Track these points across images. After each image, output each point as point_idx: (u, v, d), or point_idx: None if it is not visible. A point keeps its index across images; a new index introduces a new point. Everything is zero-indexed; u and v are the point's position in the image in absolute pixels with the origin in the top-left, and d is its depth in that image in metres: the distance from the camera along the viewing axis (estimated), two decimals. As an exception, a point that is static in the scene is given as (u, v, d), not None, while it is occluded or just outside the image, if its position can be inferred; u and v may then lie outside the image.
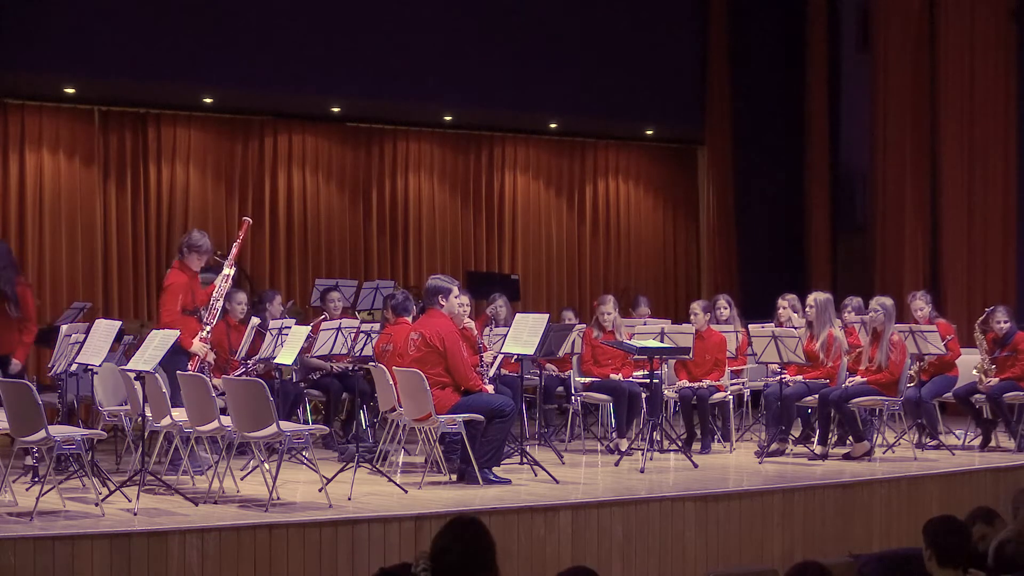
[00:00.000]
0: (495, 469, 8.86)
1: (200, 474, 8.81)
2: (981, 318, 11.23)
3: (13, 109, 13.46)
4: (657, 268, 17.00)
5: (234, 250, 9.87)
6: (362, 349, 9.73)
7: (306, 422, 10.69)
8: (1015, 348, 10.83)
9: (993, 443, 10.98)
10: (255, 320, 10.36)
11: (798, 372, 10.53)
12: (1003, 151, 14.53)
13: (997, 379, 10.78)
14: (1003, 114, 14.55)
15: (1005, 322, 10.90)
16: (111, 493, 8.02)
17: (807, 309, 10.64)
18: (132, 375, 8.37)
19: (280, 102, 14.38)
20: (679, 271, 17.16)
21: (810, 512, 8.72)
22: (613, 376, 10.78)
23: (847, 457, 10.17)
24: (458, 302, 9.26)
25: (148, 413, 8.53)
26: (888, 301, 10.50)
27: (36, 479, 8.40)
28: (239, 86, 13.66)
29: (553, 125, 16.13)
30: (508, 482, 8.80)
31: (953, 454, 10.57)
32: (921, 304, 11.25)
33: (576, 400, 11.16)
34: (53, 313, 13.07)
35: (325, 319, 11.00)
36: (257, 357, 10.11)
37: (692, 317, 11.04)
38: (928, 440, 10.89)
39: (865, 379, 10.28)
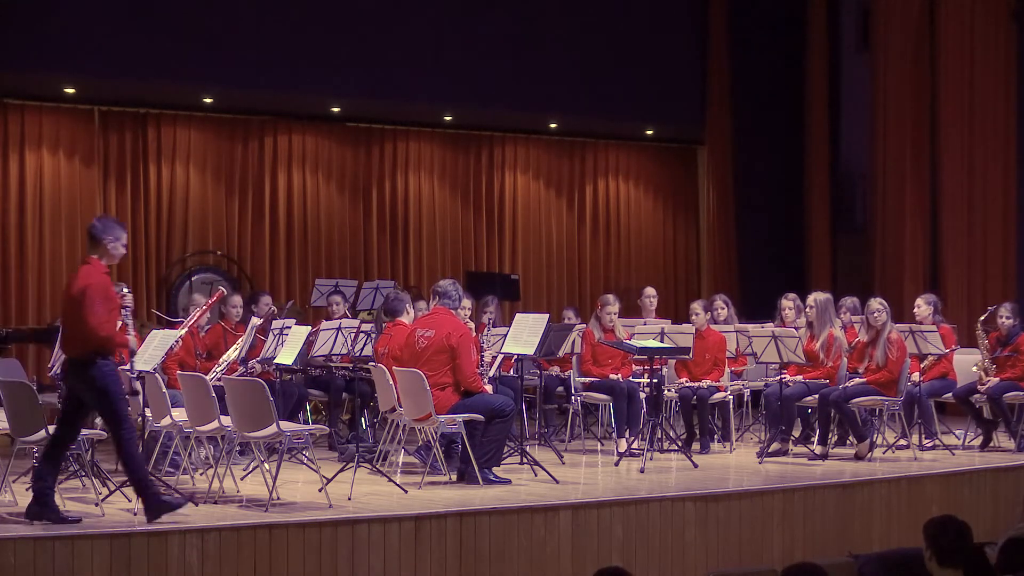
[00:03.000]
0: (495, 469, 8.86)
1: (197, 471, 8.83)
2: (983, 316, 11.24)
3: (13, 109, 13.47)
4: (657, 268, 17.00)
5: (195, 313, 9.51)
6: (362, 349, 9.73)
7: (306, 422, 10.69)
8: (1017, 348, 10.82)
9: (993, 443, 10.98)
10: (255, 320, 10.37)
11: (798, 372, 10.53)
12: (1003, 151, 14.52)
13: (997, 379, 10.78)
14: (1003, 114, 14.54)
15: (1008, 318, 10.90)
16: (111, 493, 8.02)
17: (807, 309, 10.64)
18: (132, 375, 8.37)
19: (280, 102, 14.39)
20: (679, 271, 17.17)
21: (810, 512, 8.72)
22: (613, 376, 10.78)
23: (857, 457, 10.15)
24: (461, 306, 9.35)
25: (148, 413, 8.53)
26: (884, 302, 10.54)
27: (36, 479, 8.40)
28: (239, 86, 13.67)
29: (553, 125, 16.13)
30: (508, 482, 8.80)
31: (953, 454, 10.57)
32: (920, 303, 11.28)
33: (576, 400, 11.17)
34: (53, 313, 13.09)
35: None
36: (259, 358, 10.12)
37: (693, 317, 11.04)
38: (925, 440, 10.89)
39: (865, 379, 10.28)
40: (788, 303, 11.35)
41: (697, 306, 11.19)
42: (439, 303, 9.07)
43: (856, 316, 11.31)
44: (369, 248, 15.28)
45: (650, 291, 12.69)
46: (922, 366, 11.04)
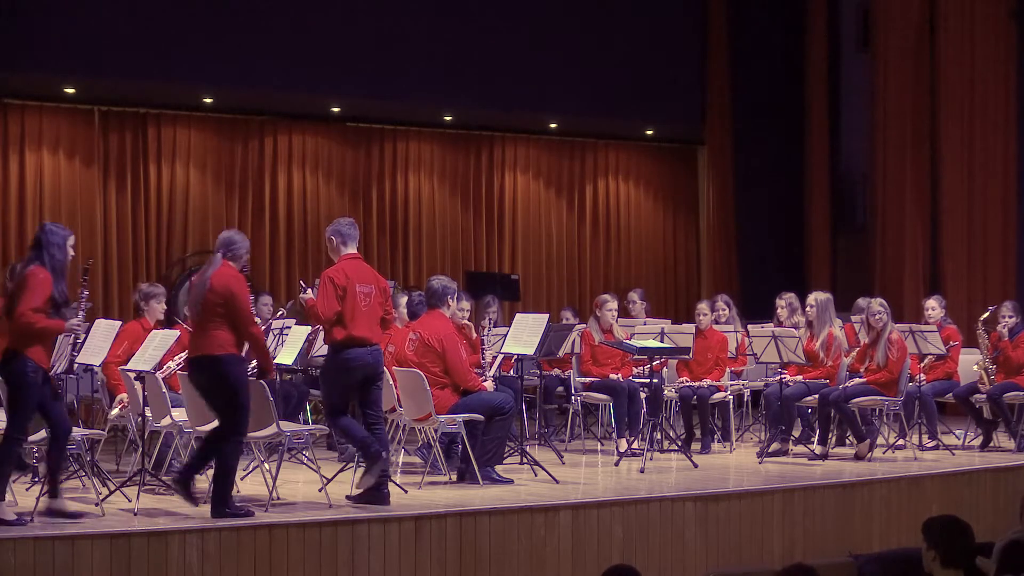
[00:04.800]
0: (497, 468, 8.86)
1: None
2: (984, 315, 11.24)
3: (13, 109, 13.46)
4: (657, 268, 16.99)
5: None
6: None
7: (306, 422, 10.69)
8: (1017, 346, 10.82)
9: (993, 443, 10.98)
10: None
11: (798, 372, 10.54)
12: (1003, 151, 14.53)
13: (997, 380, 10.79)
14: (1003, 114, 14.55)
15: (1011, 316, 10.90)
16: (111, 493, 8.02)
17: (807, 309, 10.64)
18: (132, 375, 8.37)
19: (280, 102, 14.39)
20: (679, 271, 17.16)
21: (810, 512, 8.72)
22: (613, 376, 10.78)
23: (857, 457, 10.15)
24: (458, 306, 9.32)
25: (148, 413, 8.53)
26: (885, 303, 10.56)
27: (36, 479, 8.40)
28: (239, 86, 13.67)
29: (553, 125, 16.13)
30: (509, 482, 8.80)
31: (953, 454, 10.57)
32: (933, 304, 11.29)
33: (576, 400, 11.17)
34: (53, 313, 13.06)
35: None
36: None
37: (701, 318, 11.04)
38: (927, 440, 10.89)
39: (865, 379, 10.28)
40: (782, 303, 11.36)
41: (705, 307, 11.22)
42: (428, 303, 9.11)
43: (856, 316, 11.32)
44: (369, 248, 15.25)
45: (632, 295, 12.61)
46: (921, 366, 11.04)
